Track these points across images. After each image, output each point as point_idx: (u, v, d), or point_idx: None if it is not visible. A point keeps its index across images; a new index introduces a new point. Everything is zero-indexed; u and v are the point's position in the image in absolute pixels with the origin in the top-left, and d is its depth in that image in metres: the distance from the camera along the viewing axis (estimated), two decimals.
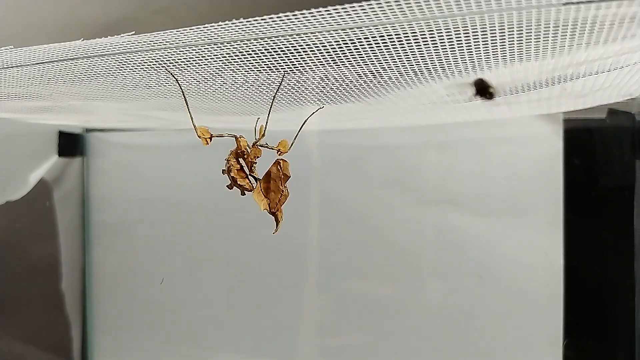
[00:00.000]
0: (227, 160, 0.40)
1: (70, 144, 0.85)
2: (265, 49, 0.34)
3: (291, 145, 0.40)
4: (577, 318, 0.64)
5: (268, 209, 0.39)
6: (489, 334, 0.67)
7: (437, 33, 0.30)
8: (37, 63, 0.38)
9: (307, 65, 0.37)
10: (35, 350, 0.83)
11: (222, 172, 0.40)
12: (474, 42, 0.32)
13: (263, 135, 0.39)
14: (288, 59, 0.36)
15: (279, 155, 0.40)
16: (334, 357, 0.76)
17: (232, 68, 0.38)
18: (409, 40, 0.31)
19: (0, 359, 0.79)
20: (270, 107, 0.40)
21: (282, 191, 0.39)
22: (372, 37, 0.31)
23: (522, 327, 0.66)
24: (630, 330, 0.61)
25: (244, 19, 0.29)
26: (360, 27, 0.29)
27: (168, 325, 0.85)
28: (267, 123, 0.39)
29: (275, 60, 0.36)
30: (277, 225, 0.39)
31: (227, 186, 0.40)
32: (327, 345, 0.76)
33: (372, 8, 0.26)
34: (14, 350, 0.81)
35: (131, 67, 0.38)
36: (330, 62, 0.36)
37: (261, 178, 0.39)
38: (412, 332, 0.71)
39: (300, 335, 0.77)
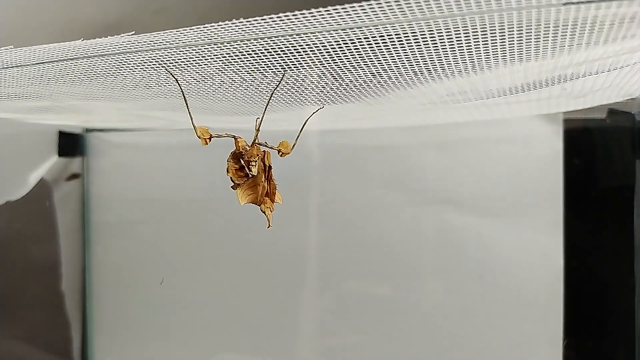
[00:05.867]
0: (227, 161, 0.40)
1: (70, 144, 0.85)
2: (265, 49, 0.34)
3: (293, 146, 0.40)
4: (577, 318, 0.64)
5: (254, 202, 0.39)
6: (489, 334, 0.67)
7: (437, 33, 0.30)
8: (37, 63, 0.38)
9: (307, 65, 0.37)
10: (35, 350, 0.83)
11: (227, 173, 0.40)
12: (474, 42, 0.32)
13: (258, 130, 0.39)
14: (288, 59, 0.36)
15: (281, 156, 0.40)
16: (334, 357, 0.76)
17: (232, 68, 0.38)
18: (409, 40, 0.31)
19: (0, 359, 0.79)
20: (268, 103, 0.40)
21: (260, 183, 0.39)
22: (372, 37, 0.31)
23: (522, 327, 0.66)
24: (630, 330, 0.61)
25: (244, 19, 0.29)
26: (360, 27, 0.29)
27: (168, 325, 0.85)
28: (262, 118, 0.39)
29: (275, 60, 0.36)
30: (266, 218, 0.39)
31: (232, 187, 0.40)
32: (327, 345, 0.76)
33: (372, 8, 0.26)
34: (14, 350, 0.81)
35: (131, 67, 0.38)
36: (330, 62, 0.36)
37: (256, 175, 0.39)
38: (412, 332, 0.71)
39: (300, 335, 0.77)
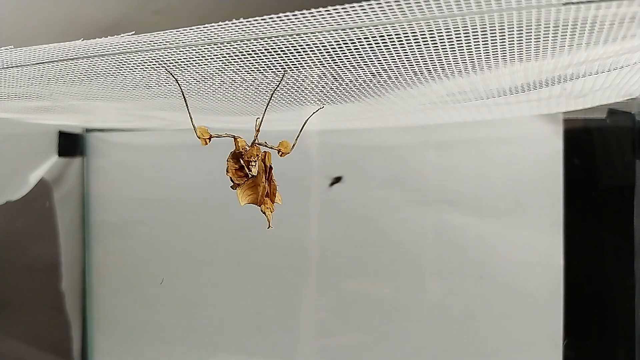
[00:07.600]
0: (227, 160, 0.40)
1: (70, 144, 0.85)
2: (265, 49, 0.34)
3: (293, 146, 0.40)
4: (577, 318, 0.64)
5: (254, 203, 0.39)
6: (489, 334, 0.67)
7: (437, 33, 0.30)
8: (37, 63, 0.38)
9: (307, 65, 0.37)
10: (35, 350, 0.83)
11: (226, 173, 0.40)
12: (474, 42, 0.32)
13: (258, 130, 0.39)
14: (288, 59, 0.36)
15: (280, 156, 0.40)
16: (333, 357, 0.76)
17: (232, 68, 0.38)
18: (409, 40, 0.31)
19: (0, 359, 0.79)
20: (268, 103, 0.40)
21: (261, 184, 0.39)
22: (372, 37, 0.31)
23: (522, 327, 0.66)
24: (630, 330, 0.61)
25: (244, 19, 0.29)
26: (360, 27, 0.29)
27: (168, 325, 0.85)
28: (262, 118, 0.39)
29: (275, 60, 0.36)
30: (267, 218, 0.39)
31: (231, 187, 0.40)
32: (327, 345, 0.76)
33: (372, 8, 0.26)
34: (14, 350, 0.81)
35: (131, 67, 0.38)
36: (330, 62, 0.36)
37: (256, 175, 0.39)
38: (412, 332, 0.71)
39: (300, 335, 0.77)
